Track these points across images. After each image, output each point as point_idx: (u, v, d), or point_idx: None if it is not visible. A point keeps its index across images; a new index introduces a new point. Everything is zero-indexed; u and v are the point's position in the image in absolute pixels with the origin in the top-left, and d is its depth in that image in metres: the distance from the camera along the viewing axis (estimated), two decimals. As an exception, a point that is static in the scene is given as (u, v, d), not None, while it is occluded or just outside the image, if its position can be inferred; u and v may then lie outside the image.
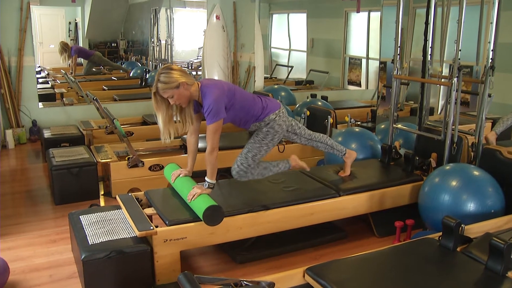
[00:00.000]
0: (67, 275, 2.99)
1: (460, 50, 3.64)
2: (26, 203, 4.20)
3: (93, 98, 4.79)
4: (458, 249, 2.57)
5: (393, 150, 4.08)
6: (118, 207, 3.25)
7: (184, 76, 2.89)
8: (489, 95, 3.75)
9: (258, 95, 3.32)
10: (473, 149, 3.81)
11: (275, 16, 9.77)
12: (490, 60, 3.69)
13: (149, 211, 3.14)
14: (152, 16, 9.05)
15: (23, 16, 5.99)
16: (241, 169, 3.28)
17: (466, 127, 4.65)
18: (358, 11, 7.33)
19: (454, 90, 3.65)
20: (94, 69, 9.09)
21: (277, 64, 9.67)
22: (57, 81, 8.29)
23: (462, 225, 2.61)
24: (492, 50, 3.69)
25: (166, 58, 8.88)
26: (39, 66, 8.40)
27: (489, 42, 3.71)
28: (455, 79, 3.64)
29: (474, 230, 2.84)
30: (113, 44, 9.38)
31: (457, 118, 3.72)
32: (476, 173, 3.26)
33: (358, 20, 8.14)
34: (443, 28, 3.89)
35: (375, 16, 7.61)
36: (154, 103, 2.98)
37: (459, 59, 3.64)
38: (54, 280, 2.94)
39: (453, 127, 3.74)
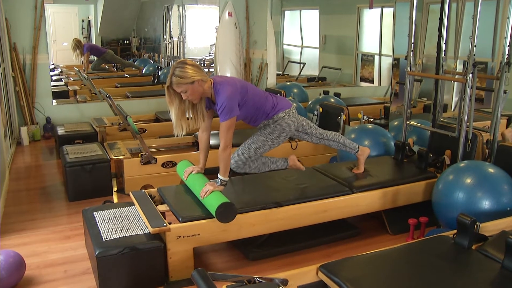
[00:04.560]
0: (82, 271, 3.01)
1: (475, 46, 3.60)
2: (40, 199, 4.24)
3: (106, 95, 4.82)
4: (473, 247, 2.54)
5: (407, 147, 4.05)
6: (132, 204, 3.27)
7: (199, 73, 2.90)
8: (505, 92, 3.71)
9: (270, 93, 3.31)
10: (488, 146, 3.77)
11: (287, 13, 9.75)
12: (506, 56, 3.64)
13: (162, 207, 3.15)
14: (164, 14, 9.08)
15: (37, 14, 6.04)
16: (240, 159, 3.29)
17: (481, 124, 4.61)
18: (370, 8, 7.27)
19: (468, 87, 3.61)
20: (106, 66, 9.14)
21: (289, 61, 9.65)
22: (70, 78, 8.36)
23: (478, 222, 2.58)
24: (508, 46, 3.64)
25: (178, 55, 8.91)
26: (53, 64, 8.48)
27: (505, 38, 3.66)
28: (470, 75, 3.60)
29: (490, 228, 2.81)
30: (125, 42, 9.44)
31: (471, 115, 3.68)
32: (491, 170, 3.22)
33: (370, 17, 8.09)
34: (457, 24, 3.85)
35: (388, 12, 7.56)
36: (167, 97, 2.99)
37: (474, 55, 3.60)
38: (69, 276, 2.96)
39: (468, 124, 3.70)
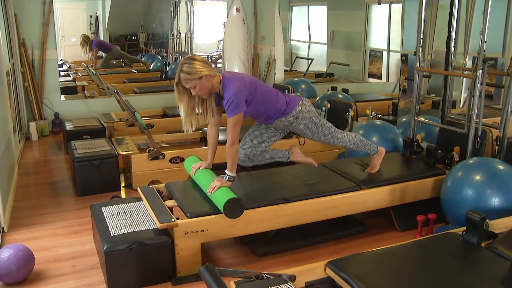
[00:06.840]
0: (90, 266, 3.03)
1: (485, 42, 3.57)
2: (49, 194, 4.27)
3: (114, 91, 4.83)
4: (483, 244, 2.53)
5: (415, 143, 4.03)
6: (139, 199, 3.28)
7: (207, 68, 2.90)
8: (515, 88, 3.68)
9: (281, 91, 3.30)
10: (497, 143, 3.74)
11: (295, 9, 9.72)
12: (517, 52, 3.61)
13: (170, 203, 3.16)
14: (172, 9, 9.08)
15: (46, 10, 6.05)
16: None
17: (490, 120, 4.57)
18: (379, 3, 7.24)
19: (478, 83, 3.58)
20: (114, 62, 9.17)
21: (297, 57, 9.63)
22: (79, 74, 8.39)
23: (487, 220, 2.56)
24: (519, 42, 3.61)
25: (186, 51, 8.91)
26: (61, 60, 8.50)
27: (516, 33, 3.63)
28: (480, 71, 3.56)
29: (499, 225, 2.79)
30: (133, 37, 9.44)
31: (481, 111, 3.65)
32: (500, 167, 3.19)
33: (379, 12, 8.05)
34: (467, 19, 3.82)
35: (397, 8, 7.51)
36: (176, 93, 2.98)
37: (484, 50, 3.56)
38: (77, 271, 2.98)
39: (477, 120, 3.67)
